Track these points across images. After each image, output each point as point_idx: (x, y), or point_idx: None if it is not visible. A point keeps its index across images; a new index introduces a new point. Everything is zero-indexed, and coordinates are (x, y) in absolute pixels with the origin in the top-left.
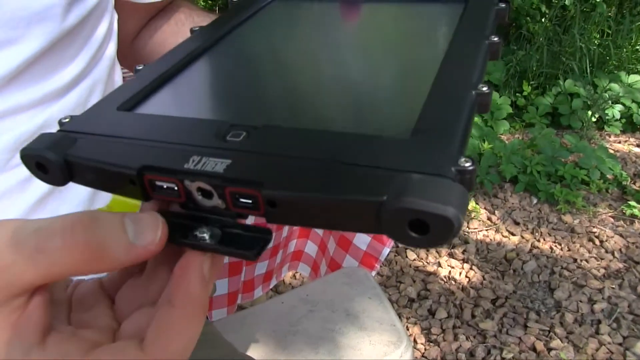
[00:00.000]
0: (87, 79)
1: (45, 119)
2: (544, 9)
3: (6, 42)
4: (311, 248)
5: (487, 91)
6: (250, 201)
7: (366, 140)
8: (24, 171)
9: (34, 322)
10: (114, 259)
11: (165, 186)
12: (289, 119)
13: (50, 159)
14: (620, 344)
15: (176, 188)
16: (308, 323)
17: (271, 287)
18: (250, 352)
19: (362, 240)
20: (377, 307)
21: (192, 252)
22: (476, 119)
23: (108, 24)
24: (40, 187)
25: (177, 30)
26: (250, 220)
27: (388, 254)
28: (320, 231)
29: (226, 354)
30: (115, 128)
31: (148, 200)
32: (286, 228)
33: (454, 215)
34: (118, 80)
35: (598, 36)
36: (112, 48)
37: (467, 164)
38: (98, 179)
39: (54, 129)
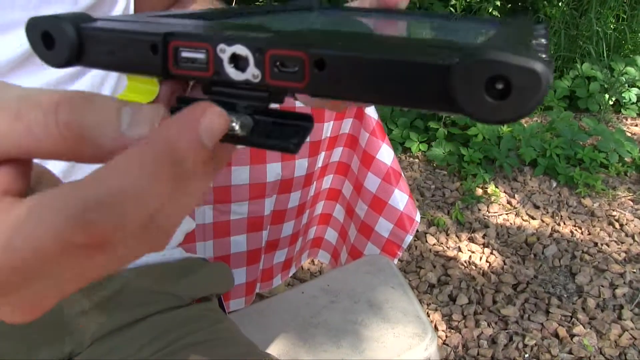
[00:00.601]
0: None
1: None
2: None
3: (18, 24)
4: (331, 235)
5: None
6: (293, 68)
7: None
8: None
9: None
10: (99, 146)
11: (191, 56)
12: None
13: (63, 28)
14: None
15: (205, 57)
16: (329, 314)
17: (290, 275)
18: (269, 347)
19: (384, 227)
20: (400, 297)
21: (205, 104)
22: None
23: (123, 8)
24: None
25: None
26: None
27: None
28: (341, 218)
29: (245, 353)
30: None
31: (167, 78)
32: (306, 214)
33: (543, 70)
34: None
35: (614, 20)
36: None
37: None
38: (113, 52)
39: None
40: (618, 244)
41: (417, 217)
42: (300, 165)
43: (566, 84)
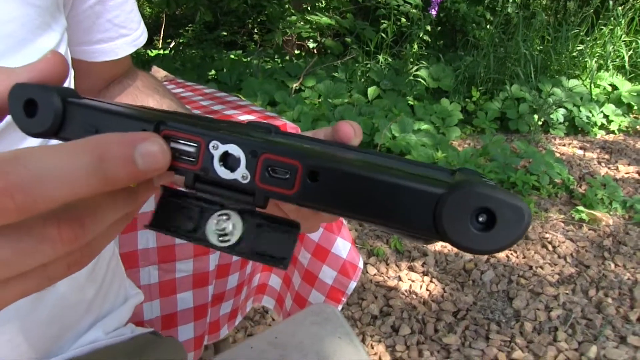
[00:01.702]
0: None
1: None
2: (488, 16)
3: None
4: (275, 281)
5: None
6: (284, 175)
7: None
8: None
9: None
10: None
11: (181, 148)
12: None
13: (49, 97)
14: (575, 350)
15: (195, 151)
16: None
17: (237, 324)
18: None
19: (328, 274)
20: (347, 346)
21: (152, 134)
22: (428, 126)
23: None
24: None
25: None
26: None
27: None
28: None
29: None
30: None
31: None
32: (250, 264)
33: (526, 208)
34: None
35: (539, 42)
36: None
37: None
38: (97, 130)
39: None
40: (551, 266)
41: (360, 264)
42: None
43: (497, 105)
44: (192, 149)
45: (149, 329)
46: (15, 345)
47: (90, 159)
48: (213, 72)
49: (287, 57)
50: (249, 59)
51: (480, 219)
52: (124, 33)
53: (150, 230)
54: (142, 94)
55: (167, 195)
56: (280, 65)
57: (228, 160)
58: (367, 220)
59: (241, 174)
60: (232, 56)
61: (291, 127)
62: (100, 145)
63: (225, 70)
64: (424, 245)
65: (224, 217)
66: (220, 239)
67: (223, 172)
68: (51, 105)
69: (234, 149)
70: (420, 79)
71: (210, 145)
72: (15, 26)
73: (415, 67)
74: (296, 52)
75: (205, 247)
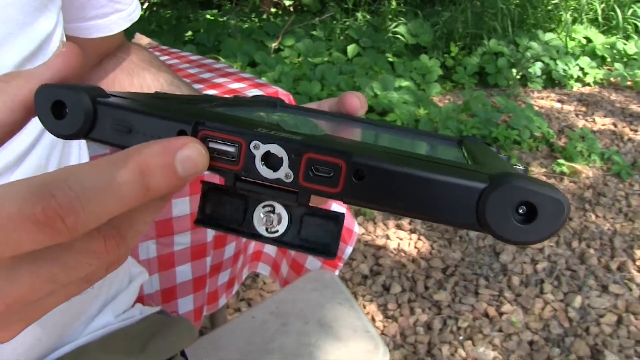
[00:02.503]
0: (45, 137)
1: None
2: None
3: None
4: (270, 248)
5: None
6: (328, 174)
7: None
8: None
9: None
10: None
11: (221, 148)
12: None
13: (78, 98)
14: (561, 301)
15: (236, 151)
16: (282, 339)
17: (234, 292)
18: None
19: None
20: (348, 313)
21: (189, 139)
22: (408, 83)
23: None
24: None
25: (128, 78)
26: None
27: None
28: None
29: None
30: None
31: None
32: None
33: (565, 199)
34: None
35: None
36: None
37: None
38: (130, 130)
39: None
40: None
41: (356, 229)
42: None
43: (475, 60)
44: (232, 149)
45: (157, 308)
46: (30, 330)
47: (133, 174)
48: (190, 33)
49: (265, 16)
50: (225, 18)
51: (521, 211)
52: (118, 8)
53: (199, 226)
54: (137, 68)
55: (209, 190)
56: (258, 24)
57: (270, 160)
58: (410, 215)
59: (284, 173)
60: (208, 16)
61: (283, 94)
62: (141, 158)
63: (202, 31)
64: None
65: (269, 209)
66: (268, 230)
67: (265, 172)
68: (81, 106)
69: (276, 149)
70: (399, 36)
71: (252, 145)
72: (14, 9)
73: (394, 24)
74: (273, 10)
75: (255, 240)
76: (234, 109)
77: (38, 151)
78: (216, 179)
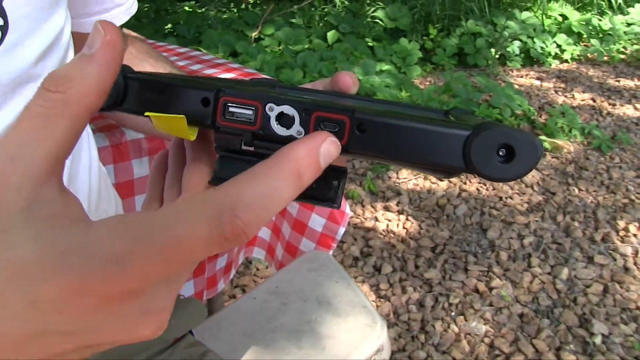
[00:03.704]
0: None
1: None
2: None
3: None
4: (264, 232)
5: None
6: (335, 128)
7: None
8: None
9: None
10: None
11: (240, 111)
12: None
13: None
14: (549, 273)
15: (253, 113)
16: (284, 317)
17: (232, 277)
18: (235, 357)
19: (317, 222)
20: (345, 290)
21: (324, 133)
22: (389, 67)
23: (70, 59)
24: None
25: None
26: None
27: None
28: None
29: None
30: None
31: (213, 128)
32: None
33: (539, 142)
34: None
35: None
36: None
37: None
38: (160, 99)
39: None
40: (520, 196)
41: (347, 210)
42: None
43: (454, 41)
44: (249, 112)
45: None
46: None
47: (292, 177)
48: (169, 25)
49: (243, 6)
50: (204, 9)
51: (501, 153)
52: (118, 3)
53: (212, 184)
54: (136, 59)
55: (225, 154)
56: (238, 14)
57: (283, 119)
58: (406, 162)
59: (296, 130)
60: (186, 8)
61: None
62: (296, 161)
63: (182, 23)
64: (447, 179)
65: None
66: None
67: (280, 130)
68: (115, 82)
69: (289, 109)
70: (377, 20)
71: (267, 107)
72: (31, 7)
73: (372, 9)
74: (251, 0)
75: None
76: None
77: None
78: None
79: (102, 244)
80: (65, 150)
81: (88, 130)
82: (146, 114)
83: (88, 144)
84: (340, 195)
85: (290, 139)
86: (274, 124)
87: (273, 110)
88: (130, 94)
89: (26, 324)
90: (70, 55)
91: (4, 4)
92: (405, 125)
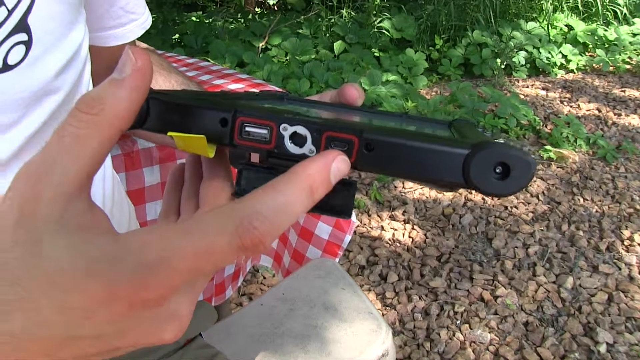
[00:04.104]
0: None
1: None
2: None
3: (6, 127)
4: None
5: None
6: (344, 147)
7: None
8: None
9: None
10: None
11: (256, 131)
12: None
13: None
14: (554, 282)
15: (268, 133)
16: (290, 323)
17: (239, 284)
18: None
19: (323, 230)
20: (351, 296)
21: (335, 152)
22: (395, 77)
23: (88, 72)
24: None
25: None
26: None
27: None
28: None
29: None
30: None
31: (231, 146)
32: None
33: (533, 161)
34: None
35: None
36: None
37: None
38: (181, 120)
39: None
40: (525, 205)
41: (353, 218)
42: None
43: (460, 52)
44: (265, 131)
45: None
46: None
47: (306, 194)
48: (177, 36)
49: (250, 16)
50: (211, 20)
51: (498, 170)
52: (133, 18)
53: (237, 197)
54: None
55: (244, 167)
56: (244, 25)
57: (296, 139)
58: (409, 177)
59: (308, 148)
60: (193, 18)
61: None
62: (308, 179)
63: (189, 33)
64: (448, 192)
65: None
66: None
67: (293, 149)
68: None
69: (301, 130)
70: (384, 31)
71: (281, 127)
72: (55, 23)
73: (379, 19)
74: (257, 10)
75: None
76: (251, 102)
77: None
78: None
79: (131, 253)
80: (94, 167)
81: None
82: (169, 134)
83: None
84: (351, 206)
85: (302, 157)
86: (288, 143)
87: (287, 130)
88: (152, 114)
89: (56, 329)
90: (88, 68)
91: (28, 20)
92: (410, 144)
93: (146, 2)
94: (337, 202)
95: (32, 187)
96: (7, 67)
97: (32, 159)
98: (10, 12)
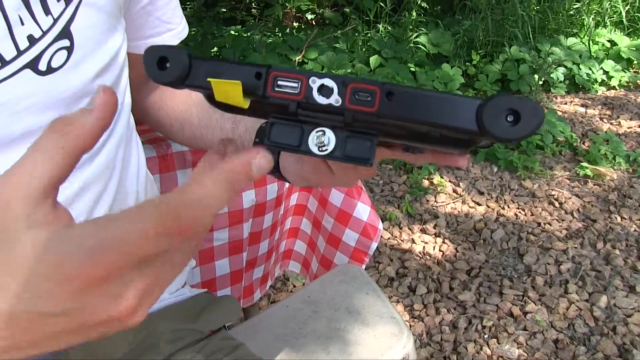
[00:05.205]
0: (113, 136)
1: (82, 182)
2: None
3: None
4: (300, 246)
5: None
6: (366, 98)
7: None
8: None
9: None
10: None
11: (287, 83)
12: None
13: (177, 53)
14: (586, 300)
15: (298, 85)
16: (314, 324)
17: (267, 288)
18: (267, 357)
19: (351, 237)
20: (375, 301)
21: (259, 149)
22: None
23: (125, 77)
24: None
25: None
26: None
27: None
28: (308, 230)
29: None
30: None
31: (263, 97)
32: (277, 231)
33: (541, 107)
34: (133, 129)
35: (536, 2)
36: (128, 100)
37: None
38: (220, 74)
39: (90, 191)
40: (559, 222)
41: (380, 226)
42: (272, 189)
43: (497, 67)
44: (295, 84)
45: (203, 290)
46: None
47: (227, 187)
48: (215, 49)
49: (288, 31)
50: (249, 33)
51: (509, 119)
52: (170, 28)
53: (266, 149)
54: None
55: (274, 121)
56: (282, 39)
57: (323, 90)
58: (428, 124)
59: (334, 99)
60: (232, 32)
61: None
62: (229, 175)
63: (228, 47)
64: (462, 154)
65: (321, 133)
66: (320, 149)
67: (320, 99)
68: (181, 60)
69: (329, 82)
70: (420, 46)
71: (310, 80)
72: (95, 30)
73: (415, 34)
74: (295, 25)
75: (310, 156)
76: None
77: (107, 149)
78: None
79: (79, 239)
80: (60, 178)
81: (138, 140)
82: (208, 79)
83: (137, 151)
84: (373, 155)
85: (329, 108)
86: (316, 94)
87: (315, 83)
88: (194, 71)
89: (25, 305)
90: (125, 73)
91: (71, 28)
92: (427, 94)
93: (187, 16)
94: (358, 152)
95: (6, 193)
96: (51, 70)
97: (9, 168)
98: (55, 20)
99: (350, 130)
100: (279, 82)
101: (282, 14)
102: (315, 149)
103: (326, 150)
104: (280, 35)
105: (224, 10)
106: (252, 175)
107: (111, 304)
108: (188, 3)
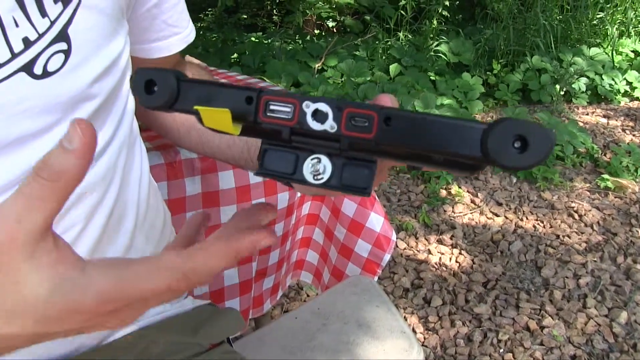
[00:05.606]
0: (114, 142)
1: (80, 189)
2: None
3: (46, 129)
4: (312, 256)
5: None
6: (363, 123)
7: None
8: None
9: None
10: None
11: (279, 108)
12: None
13: (165, 76)
14: (606, 316)
15: (291, 110)
16: (323, 337)
17: (278, 298)
18: None
19: (363, 248)
20: (385, 315)
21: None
22: (450, 100)
23: (127, 81)
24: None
25: None
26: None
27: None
28: (320, 240)
29: None
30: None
31: (255, 123)
32: (289, 241)
33: (552, 132)
34: (136, 135)
35: (559, 12)
36: (131, 105)
37: None
38: (209, 98)
39: (89, 198)
40: (578, 235)
41: (393, 237)
42: (283, 198)
43: (518, 77)
44: (288, 109)
45: (206, 301)
46: None
47: (231, 260)
48: (235, 55)
49: (308, 38)
50: (269, 40)
51: (516, 145)
52: (176, 31)
53: (258, 176)
54: None
55: (268, 147)
56: (302, 46)
57: (318, 115)
58: (429, 151)
59: (329, 125)
60: (252, 39)
61: None
62: (237, 250)
63: (247, 53)
64: (469, 176)
65: (316, 160)
66: (315, 177)
67: (315, 125)
68: (168, 84)
69: (323, 106)
70: (440, 54)
71: (304, 104)
72: (94, 34)
73: (436, 43)
74: (316, 32)
75: (304, 185)
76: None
77: (108, 155)
78: None
79: (93, 283)
80: (54, 215)
81: (142, 147)
82: (195, 107)
83: (141, 158)
84: (371, 184)
85: (324, 134)
86: (310, 120)
87: (309, 107)
88: (182, 95)
89: (34, 332)
90: (127, 76)
91: (68, 30)
92: (427, 118)
93: (208, 22)
94: (356, 181)
95: (10, 231)
96: (46, 74)
97: (6, 203)
98: (52, 22)
99: (347, 157)
100: (271, 107)
101: (303, 21)
102: (310, 178)
103: (322, 179)
104: (300, 42)
105: (245, 16)
106: (255, 251)
107: (108, 323)
108: (209, 9)
